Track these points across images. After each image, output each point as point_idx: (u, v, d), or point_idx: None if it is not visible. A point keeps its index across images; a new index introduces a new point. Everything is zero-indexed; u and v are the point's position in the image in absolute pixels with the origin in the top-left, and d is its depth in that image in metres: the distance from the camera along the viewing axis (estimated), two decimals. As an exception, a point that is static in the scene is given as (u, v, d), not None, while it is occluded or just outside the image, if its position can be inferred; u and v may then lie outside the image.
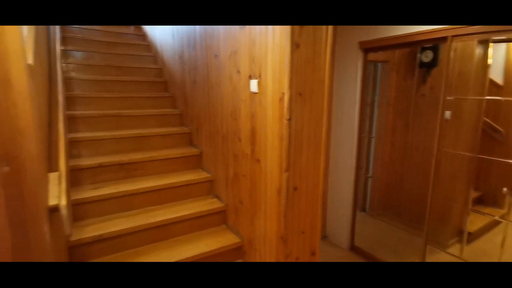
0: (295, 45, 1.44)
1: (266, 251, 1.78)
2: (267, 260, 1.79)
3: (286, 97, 1.48)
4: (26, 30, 1.28)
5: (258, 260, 1.89)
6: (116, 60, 3.42)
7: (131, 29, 4.10)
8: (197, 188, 2.38)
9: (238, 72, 1.87)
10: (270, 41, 1.55)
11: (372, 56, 2.64)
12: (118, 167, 2.25)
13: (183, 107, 2.94)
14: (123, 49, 3.64)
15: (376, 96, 3.38)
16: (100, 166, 2.16)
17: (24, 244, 1.03)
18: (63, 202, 1.10)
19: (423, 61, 2.73)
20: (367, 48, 2.53)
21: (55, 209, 1.14)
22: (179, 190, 2.29)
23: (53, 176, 1.25)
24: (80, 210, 1.92)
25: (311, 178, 1.64)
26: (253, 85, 1.72)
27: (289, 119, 1.50)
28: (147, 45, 3.85)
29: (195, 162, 2.61)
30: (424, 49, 2.66)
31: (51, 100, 1.78)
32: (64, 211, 1.09)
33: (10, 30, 0.93)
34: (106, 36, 3.73)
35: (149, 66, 3.43)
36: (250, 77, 1.76)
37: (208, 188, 2.43)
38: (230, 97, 2.01)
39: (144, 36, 4.03)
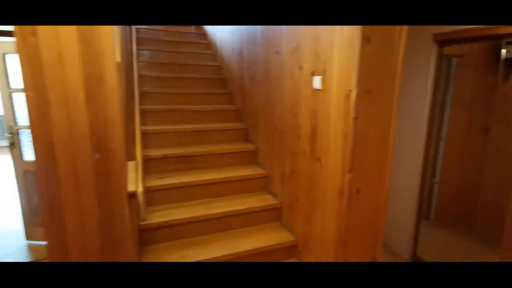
0: (365, 39, 1.35)
1: (323, 252, 1.73)
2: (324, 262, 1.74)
3: (353, 94, 1.41)
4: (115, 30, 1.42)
5: (313, 261, 1.85)
6: (179, 58, 3.63)
7: (192, 28, 4.31)
8: (253, 184, 2.42)
9: (300, 68, 1.83)
10: (338, 36, 1.49)
11: (446, 50, 2.38)
12: (181, 159, 2.39)
13: (240, 103, 3.00)
14: (185, 48, 3.85)
15: (448, 94, 3.06)
16: (166, 157, 2.31)
17: (109, 223, 1.15)
18: (140, 189, 1.20)
19: (507, 56, 2.41)
20: (443, 41, 2.29)
21: (132, 195, 1.25)
22: (235, 185, 2.35)
23: (131, 164, 1.38)
24: (147, 197, 2.08)
25: (376, 181, 1.54)
26: (316, 82, 1.67)
27: (355, 118, 1.42)
28: (207, 43, 4.01)
29: (251, 157, 2.65)
30: (508, 44, 2.34)
31: (128, 95, 1.95)
32: (141, 198, 1.19)
33: (105, 31, 1.03)
34: (169, 36, 3.98)
35: (208, 64, 3.58)
36: (313, 74, 1.71)
37: (263, 184, 2.45)
38: (290, 94, 1.99)
39: (204, 34, 4.21)
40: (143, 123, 2.65)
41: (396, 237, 2.68)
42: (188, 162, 2.43)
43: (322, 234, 1.73)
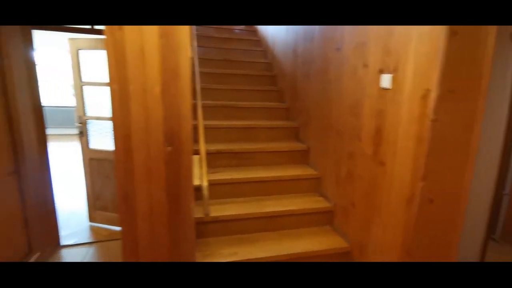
0: (452, 33, 1.22)
1: (383, 263, 1.62)
2: (382, 273, 1.63)
3: (433, 95, 1.28)
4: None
5: (369, 271, 1.74)
6: (229, 54, 3.67)
7: (241, 25, 4.33)
8: (303, 184, 2.35)
9: (365, 65, 1.72)
10: (415, 30, 1.36)
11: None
12: (232, 155, 2.41)
13: (290, 101, 2.95)
14: (235, 45, 3.88)
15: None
16: (218, 152, 2.34)
17: (175, 214, 1.17)
18: (205, 183, 1.21)
19: None
20: (529, 36, 2.01)
21: (197, 189, 1.26)
22: (286, 184, 2.31)
23: (194, 158, 1.40)
24: (199, 192, 2.12)
25: (453, 191, 1.39)
26: (385, 80, 1.55)
27: (434, 120, 1.29)
28: (258, 40, 4.01)
29: (301, 157, 2.58)
30: None
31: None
32: (206, 192, 1.19)
33: (182, 28, 1.04)
34: (220, 32, 4.04)
35: (259, 61, 3.56)
36: (380, 71, 1.60)
37: (314, 185, 2.37)
38: (351, 92, 1.88)
39: (254, 31, 4.21)
40: (195, 117, 2.72)
41: (460, 252, 2.44)
42: (238, 158, 2.43)
43: (383, 244, 1.62)
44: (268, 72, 3.43)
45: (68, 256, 2.36)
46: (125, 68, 1.01)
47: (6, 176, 1.89)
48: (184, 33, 1.04)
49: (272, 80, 3.38)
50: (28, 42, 2.02)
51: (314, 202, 2.18)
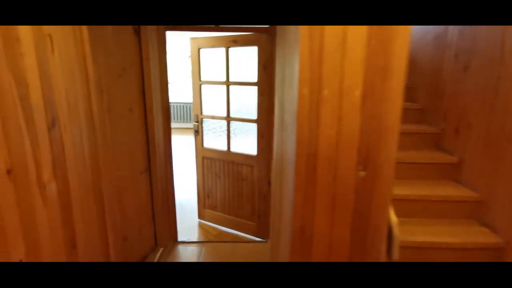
0: None
1: None
2: None
3: None
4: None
5: None
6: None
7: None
8: (454, 207, 1.86)
9: None
10: None
11: None
12: (361, 165, 2.06)
13: (427, 101, 2.42)
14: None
15: None
16: (347, 161, 2.03)
17: (359, 258, 0.90)
18: (395, 218, 0.91)
19: None
20: None
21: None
22: (432, 205, 1.85)
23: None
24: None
25: None
26: None
27: None
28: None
29: (447, 171, 2.07)
30: None
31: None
32: (396, 231, 0.89)
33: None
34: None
35: (377, 52, 3.08)
36: None
37: (470, 210, 1.85)
38: None
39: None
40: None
41: None
42: (367, 169, 2.07)
43: None
44: (390, 66, 2.92)
45: (185, 253, 2.38)
46: (320, 66, 0.77)
47: (140, 174, 1.94)
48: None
49: (396, 75, 2.87)
50: (162, 43, 2.03)
51: (476, 234, 1.68)
